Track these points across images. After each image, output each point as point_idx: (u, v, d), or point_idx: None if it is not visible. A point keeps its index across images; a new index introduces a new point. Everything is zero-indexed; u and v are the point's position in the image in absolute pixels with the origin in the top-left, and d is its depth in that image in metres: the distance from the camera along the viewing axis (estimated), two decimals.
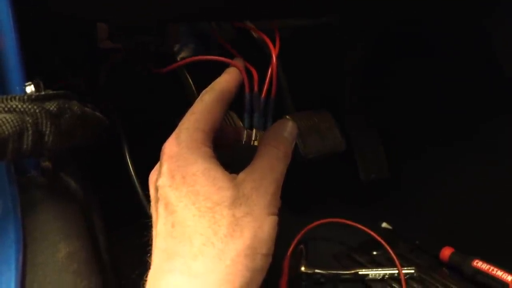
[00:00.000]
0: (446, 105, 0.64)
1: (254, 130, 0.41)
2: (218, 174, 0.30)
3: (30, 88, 0.31)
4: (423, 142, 0.67)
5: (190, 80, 0.53)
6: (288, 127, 0.35)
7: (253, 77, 0.41)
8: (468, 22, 0.58)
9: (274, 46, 0.44)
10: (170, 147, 0.32)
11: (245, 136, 0.40)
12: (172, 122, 0.43)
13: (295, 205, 0.61)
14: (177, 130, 0.33)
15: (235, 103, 0.43)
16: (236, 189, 0.30)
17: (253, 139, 0.40)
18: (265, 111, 0.41)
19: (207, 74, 0.52)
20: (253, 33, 0.55)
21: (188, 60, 0.48)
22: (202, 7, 0.40)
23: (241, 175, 0.31)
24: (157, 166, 0.34)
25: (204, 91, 0.37)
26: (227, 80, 0.38)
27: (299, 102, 0.58)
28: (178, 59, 0.58)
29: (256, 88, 0.41)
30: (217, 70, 0.50)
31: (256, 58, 0.50)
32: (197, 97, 0.52)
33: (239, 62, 0.42)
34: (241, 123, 0.49)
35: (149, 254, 0.31)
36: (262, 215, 0.30)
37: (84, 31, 0.47)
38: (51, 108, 0.29)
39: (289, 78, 0.57)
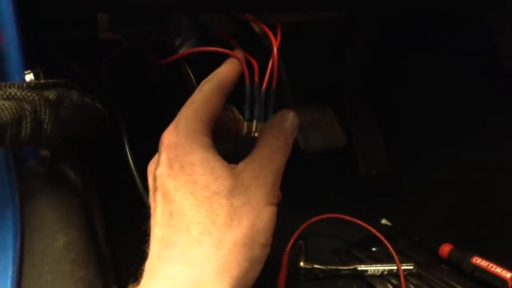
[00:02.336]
0: (448, 101, 0.64)
1: (254, 122, 0.40)
2: (216, 164, 0.30)
3: (29, 77, 0.31)
4: (423, 138, 0.67)
5: (190, 72, 0.53)
6: (289, 118, 0.35)
7: (253, 69, 0.41)
8: (469, 18, 0.57)
9: (276, 38, 0.44)
10: (168, 136, 0.31)
11: (245, 127, 0.40)
12: (172, 113, 0.44)
13: (295, 200, 0.60)
14: (176, 120, 0.33)
15: (236, 96, 0.43)
16: (235, 178, 0.30)
17: (253, 130, 0.40)
18: (265, 103, 0.41)
19: (208, 67, 0.52)
20: (254, 26, 0.54)
21: (188, 51, 0.48)
22: None
23: (241, 165, 0.31)
24: (155, 156, 0.34)
25: (203, 81, 0.37)
26: (226, 71, 0.38)
27: (301, 97, 0.58)
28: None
29: (256, 79, 0.41)
30: (218, 62, 0.50)
31: (257, 51, 0.50)
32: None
33: (239, 53, 0.41)
34: (241, 116, 0.49)
35: (147, 244, 0.31)
36: (260, 205, 0.30)
37: (84, 21, 0.47)
38: (50, 96, 0.29)
39: (291, 73, 0.57)
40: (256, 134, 0.40)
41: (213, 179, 0.29)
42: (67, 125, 0.31)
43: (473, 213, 0.62)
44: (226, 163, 0.31)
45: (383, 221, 0.66)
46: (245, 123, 0.40)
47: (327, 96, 0.66)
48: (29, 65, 0.34)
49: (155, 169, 0.31)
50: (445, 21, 0.62)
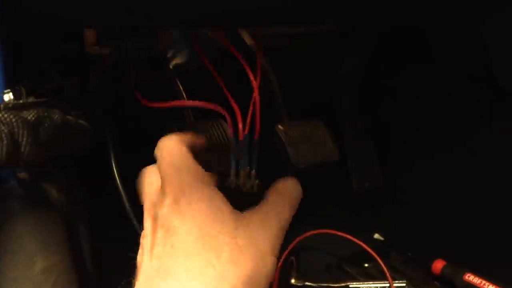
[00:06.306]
0: (440, 113, 0.64)
1: (241, 173, 0.40)
2: (223, 205, 0.30)
3: (8, 96, 0.30)
4: (417, 151, 0.67)
5: (181, 87, 0.52)
6: (294, 186, 0.36)
7: (236, 117, 0.40)
8: (465, 30, 0.57)
9: (256, 76, 0.42)
10: (171, 173, 0.31)
11: (233, 183, 0.39)
12: (161, 129, 0.43)
13: None
14: (171, 156, 0.32)
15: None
16: (242, 226, 0.30)
17: (241, 182, 0.39)
18: (249, 150, 0.40)
19: (198, 81, 0.51)
20: (246, 38, 0.54)
21: (179, 104, 0.47)
22: (194, 13, 0.40)
23: (248, 213, 0.31)
24: (152, 180, 0.33)
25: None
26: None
27: (294, 110, 0.57)
28: (171, 66, 0.57)
29: (240, 126, 0.39)
30: (208, 77, 0.50)
31: (248, 63, 0.49)
32: (187, 104, 0.51)
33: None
34: (230, 132, 0.48)
35: (133, 277, 0.30)
36: (266, 254, 0.29)
37: (74, 33, 0.46)
38: (28, 117, 0.28)
39: (284, 86, 0.56)
40: (244, 189, 0.39)
41: (220, 221, 0.29)
42: (48, 145, 0.30)
43: (468, 226, 0.61)
44: (231, 207, 0.31)
45: (376, 235, 0.65)
46: (233, 179, 0.39)
47: (320, 108, 0.66)
48: (12, 81, 0.34)
49: (158, 203, 0.30)
50: (440, 33, 0.61)
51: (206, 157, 0.42)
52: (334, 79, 0.71)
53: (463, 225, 0.62)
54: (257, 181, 0.40)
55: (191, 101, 0.44)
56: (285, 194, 0.34)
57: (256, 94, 0.40)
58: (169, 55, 0.58)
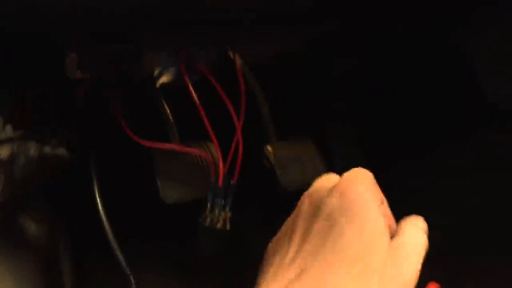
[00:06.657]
0: (427, 123, 0.63)
1: (216, 213, 0.41)
2: None
3: None
4: (409, 162, 0.66)
5: (165, 105, 0.52)
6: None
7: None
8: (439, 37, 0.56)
9: (239, 118, 0.42)
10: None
11: (208, 220, 0.40)
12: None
13: (275, 229, 0.59)
14: None
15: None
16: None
17: (215, 222, 0.40)
18: (225, 194, 0.41)
19: (183, 100, 0.50)
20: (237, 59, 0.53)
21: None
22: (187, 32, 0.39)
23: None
24: None
25: None
26: None
27: (283, 126, 0.56)
28: (158, 85, 0.56)
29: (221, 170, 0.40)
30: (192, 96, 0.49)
31: (236, 81, 0.48)
32: (172, 124, 0.50)
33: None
34: (216, 152, 0.47)
35: None
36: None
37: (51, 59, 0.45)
38: (1, 155, 0.27)
39: (272, 102, 0.55)
40: (218, 226, 0.40)
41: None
42: (22, 183, 0.29)
43: (464, 244, 0.60)
44: None
45: None
46: (208, 217, 0.40)
47: (309, 122, 0.65)
48: None
49: None
50: (427, 43, 0.61)
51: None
52: (327, 85, 0.71)
53: (459, 242, 0.61)
54: (229, 214, 0.41)
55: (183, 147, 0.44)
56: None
57: (239, 133, 0.41)
58: (155, 73, 0.57)
